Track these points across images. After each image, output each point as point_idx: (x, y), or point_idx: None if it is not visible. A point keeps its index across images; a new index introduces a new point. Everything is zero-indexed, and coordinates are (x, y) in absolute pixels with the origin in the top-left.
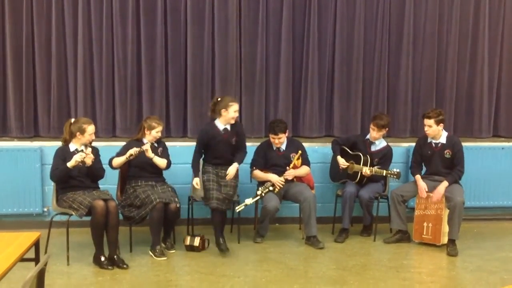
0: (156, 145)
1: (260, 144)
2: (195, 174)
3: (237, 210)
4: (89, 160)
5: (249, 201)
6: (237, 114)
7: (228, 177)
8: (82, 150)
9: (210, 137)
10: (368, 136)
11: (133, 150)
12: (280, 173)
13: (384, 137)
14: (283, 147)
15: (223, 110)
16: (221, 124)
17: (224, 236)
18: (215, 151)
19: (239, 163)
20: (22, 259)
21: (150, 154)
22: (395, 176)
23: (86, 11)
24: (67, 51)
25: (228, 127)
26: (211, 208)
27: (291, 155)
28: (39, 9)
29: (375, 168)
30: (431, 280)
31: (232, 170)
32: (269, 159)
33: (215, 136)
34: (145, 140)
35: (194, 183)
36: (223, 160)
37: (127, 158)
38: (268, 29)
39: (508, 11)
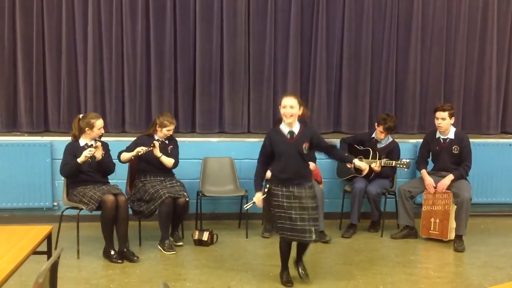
0: (167, 142)
1: None
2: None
3: (246, 208)
4: (98, 154)
5: None
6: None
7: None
8: (91, 145)
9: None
10: (374, 135)
11: (141, 148)
12: None
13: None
14: None
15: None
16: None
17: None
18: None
19: None
20: (34, 252)
21: (157, 153)
22: (404, 166)
23: (96, 7)
24: (77, 47)
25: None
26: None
27: None
28: (49, 4)
29: (384, 160)
30: (438, 275)
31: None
32: None
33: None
34: (156, 137)
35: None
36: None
37: (133, 156)
38: (276, 25)
39: None
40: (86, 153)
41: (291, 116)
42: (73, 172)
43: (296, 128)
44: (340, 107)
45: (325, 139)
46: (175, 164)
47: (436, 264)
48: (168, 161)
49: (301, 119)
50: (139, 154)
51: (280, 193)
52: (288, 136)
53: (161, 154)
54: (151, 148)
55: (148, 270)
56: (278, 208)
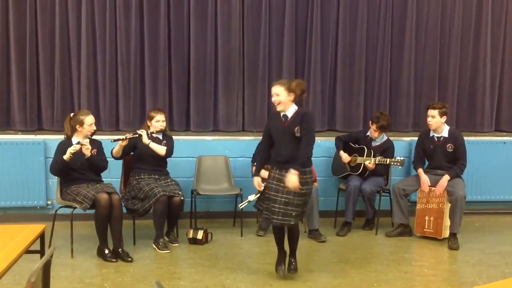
0: (160, 137)
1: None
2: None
3: (240, 207)
4: (87, 151)
5: (252, 197)
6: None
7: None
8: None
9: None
10: (368, 133)
11: (125, 136)
12: None
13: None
14: None
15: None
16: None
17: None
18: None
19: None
20: (27, 251)
21: (145, 140)
22: (398, 164)
23: (89, 4)
24: (71, 44)
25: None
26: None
27: None
28: (43, 1)
29: (379, 158)
30: (432, 273)
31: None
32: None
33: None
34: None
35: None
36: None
37: (121, 142)
38: (271, 23)
39: (511, 5)
40: (70, 150)
41: (279, 103)
42: (60, 170)
43: (290, 112)
44: (334, 105)
45: (309, 132)
46: (168, 152)
47: (430, 262)
48: (158, 148)
49: (298, 103)
50: (125, 141)
51: (273, 174)
52: (283, 119)
53: (149, 141)
54: (136, 135)
55: (142, 269)
56: (267, 190)
